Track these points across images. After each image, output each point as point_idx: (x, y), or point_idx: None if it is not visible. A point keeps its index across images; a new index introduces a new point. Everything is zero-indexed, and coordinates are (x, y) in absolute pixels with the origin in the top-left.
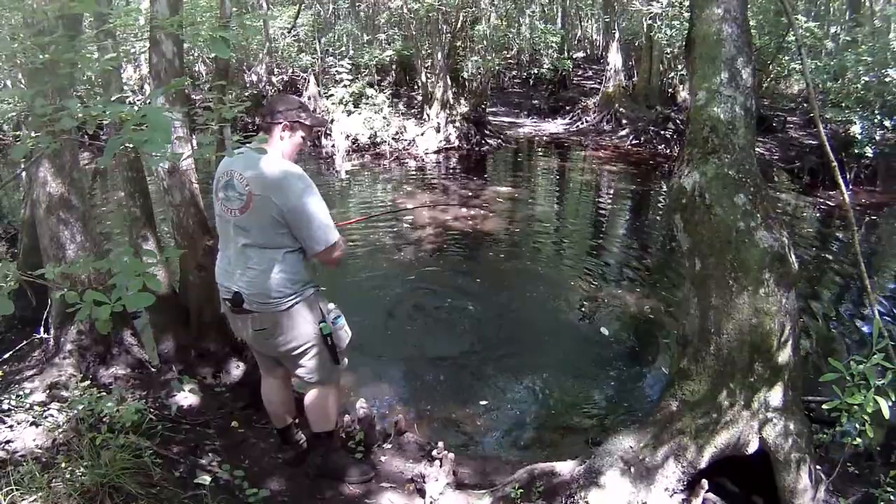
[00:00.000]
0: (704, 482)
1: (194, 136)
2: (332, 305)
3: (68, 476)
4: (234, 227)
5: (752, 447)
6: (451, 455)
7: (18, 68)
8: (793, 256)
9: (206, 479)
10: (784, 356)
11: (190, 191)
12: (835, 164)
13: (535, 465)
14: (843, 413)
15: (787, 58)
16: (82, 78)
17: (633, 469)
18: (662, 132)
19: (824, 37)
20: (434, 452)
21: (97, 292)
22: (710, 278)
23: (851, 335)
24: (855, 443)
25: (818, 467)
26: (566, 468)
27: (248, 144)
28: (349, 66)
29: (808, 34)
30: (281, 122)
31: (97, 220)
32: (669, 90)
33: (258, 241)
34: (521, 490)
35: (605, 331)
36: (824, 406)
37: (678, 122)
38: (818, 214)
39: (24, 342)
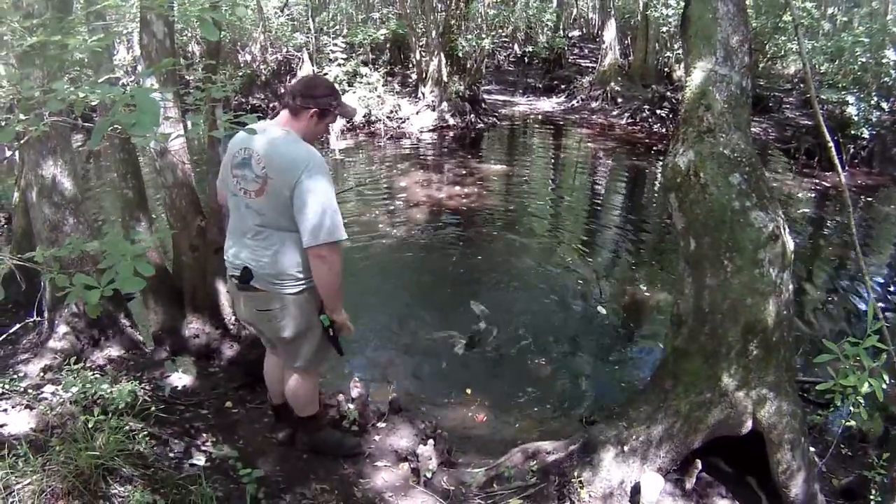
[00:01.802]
0: (698, 462)
1: (186, 117)
2: None
3: (62, 458)
4: (249, 208)
5: (746, 427)
6: (445, 434)
7: (9, 52)
8: (788, 236)
9: (201, 459)
10: (778, 337)
11: (182, 171)
12: (831, 144)
13: (529, 444)
14: (836, 394)
15: (783, 38)
16: (73, 60)
17: (626, 448)
18: (658, 111)
19: (821, 17)
20: (428, 431)
21: (87, 276)
22: (705, 258)
23: (846, 316)
24: (848, 424)
25: (811, 448)
26: (560, 447)
27: (240, 123)
28: (343, 45)
29: (805, 14)
30: (312, 108)
31: (92, 201)
32: (665, 69)
33: (274, 223)
34: (515, 469)
35: (602, 310)
36: (818, 387)
37: (674, 101)
38: (814, 195)
39: (18, 326)
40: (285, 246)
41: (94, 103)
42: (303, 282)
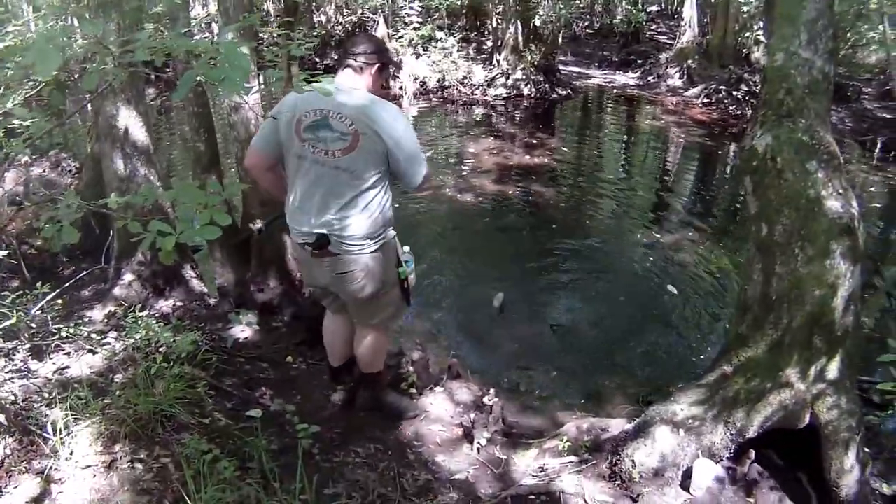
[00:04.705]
0: (751, 451)
1: (262, 73)
2: (406, 248)
3: (122, 403)
4: (329, 169)
5: (803, 421)
6: (502, 403)
7: (86, 7)
8: (862, 230)
9: (258, 412)
10: (843, 331)
11: (256, 126)
12: None
13: (585, 419)
14: None
15: (865, 26)
16: (149, 12)
17: (681, 431)
18: (734, 93)
19: None
20: (485, 399)
21: (161, 223)
22: (776, 244)
23: None
24: None
25: (866, 449)
26: (615, 425)
27: (316, 83)
28: (419, 9)
29: (889, 2)
30: (376, 63)
31: (161, 154)
32: (744, 50)
33: (361, 181)
34: (569, 443)
35: (672, 289)
36: (879, 387)
37: (751, 83)
38: (887, 190)
39: (85, 272)
40: (369, 205)
41: (166, 58)
42: (381, 238)
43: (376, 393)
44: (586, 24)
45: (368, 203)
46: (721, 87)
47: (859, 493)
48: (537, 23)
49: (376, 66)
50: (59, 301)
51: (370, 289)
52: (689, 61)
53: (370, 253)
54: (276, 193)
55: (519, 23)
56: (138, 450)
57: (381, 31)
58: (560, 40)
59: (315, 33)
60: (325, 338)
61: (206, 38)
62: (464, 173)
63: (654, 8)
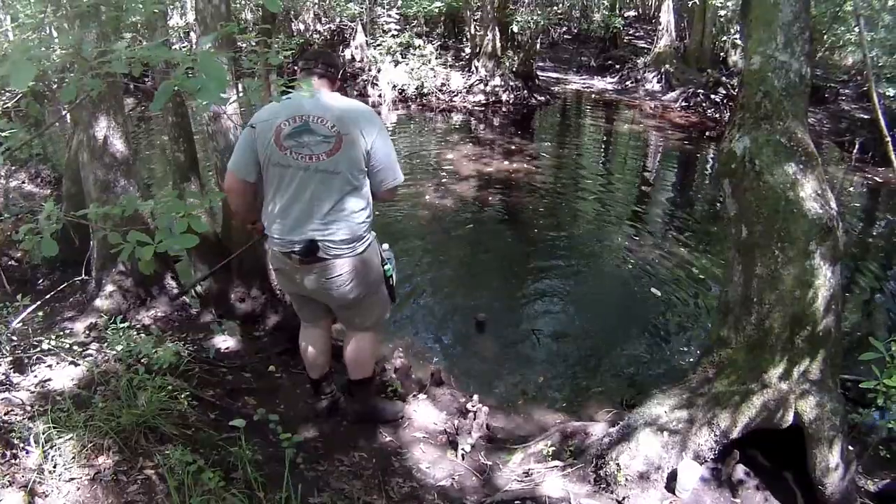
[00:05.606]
0: (736, 452)
1: (240, 82)
2: (385, 245)
3: (105, 415)
4: (315, 173)
5: (787, 421)
6: (486, 409)
7: (63, 17)
8: (840, 230)
9: (241, 422)
10: (825, 331)
11: (235, 136)
12: (888, 139)
13: (569, 423)
14: (879, 394)
15: (842, 28)
16: (127, 22)
17: (665, 434)
18: (712, 96)
19: (882, 9)
20: (468, 405)
21: (140, 233)
22: (756, 246)
23: (893, 315)
24: (889, 426)
25: (850, 447)
26: (599, 429)
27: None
28: (397, 17)
29: (865, 4)
30: (338, 74)
31: (141, 164)
32: (721, 54)
33: (346, 183)
34: (553, 448)
35: (656, 291)
36: (861, 385)
37: (729, 86)
38: (865, 190)
39: (66, 284)
40: (355, 206)
41: (144, 68)
42: (367, 238)
43: (367, 400)
44: (564, 29)
45: (354, 205)
46: (699, 91)
47: (844, 490)
48: (515, 29)
49: (338, 76)
50: (40, 313)
51: (359, 291)
52: (667, 65)
53: (358, 255)
54: (243, 215)
55: (497, 29)
56: (122, 462)
57: (360, 39)
58: (538, 46)
59: (293, 41)
60: (302, 351)
61: (184, 47)
62: (443, 180)
63: (632, 13)
